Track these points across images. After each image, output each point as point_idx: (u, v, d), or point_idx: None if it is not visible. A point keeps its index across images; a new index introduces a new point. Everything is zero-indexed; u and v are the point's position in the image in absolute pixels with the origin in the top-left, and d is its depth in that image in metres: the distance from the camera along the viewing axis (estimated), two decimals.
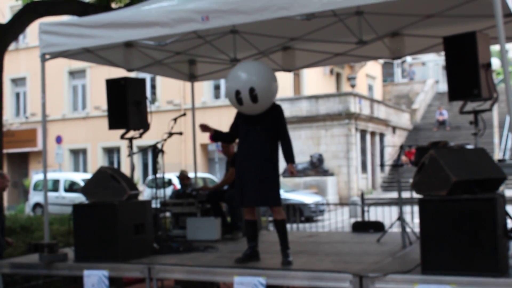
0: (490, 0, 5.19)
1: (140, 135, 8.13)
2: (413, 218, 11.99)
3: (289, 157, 6.37)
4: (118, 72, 8.75)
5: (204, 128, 6.85)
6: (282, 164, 6.87)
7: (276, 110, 6.41)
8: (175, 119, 8.20)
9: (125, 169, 27.96)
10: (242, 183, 6.33)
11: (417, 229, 5.91)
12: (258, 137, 6.34)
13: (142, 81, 8.25)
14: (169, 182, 21.45)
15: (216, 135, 6.83)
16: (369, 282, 5.21)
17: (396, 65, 46.97)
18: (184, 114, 8.69)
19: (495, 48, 8.09)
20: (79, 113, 33.98)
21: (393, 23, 7.71)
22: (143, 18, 6.45)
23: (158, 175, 7.98)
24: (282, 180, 25.87)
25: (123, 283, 8.10)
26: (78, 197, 20.96)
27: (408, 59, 45.35)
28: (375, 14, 6.93)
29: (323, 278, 5.50)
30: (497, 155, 27.69)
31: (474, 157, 5.54)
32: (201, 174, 23.67)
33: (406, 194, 9.30)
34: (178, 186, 14.68)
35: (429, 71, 46.95)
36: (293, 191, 22.47)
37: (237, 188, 6.44)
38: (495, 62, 24.54)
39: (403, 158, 23.91)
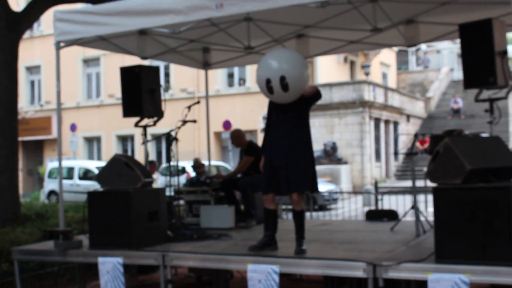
0: None
1: (154, 123, 8.15)
2: (427, 207, 11.95)
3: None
4: (132, 60, 8.77)
5: None
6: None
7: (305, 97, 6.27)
8: (189, 107, 8.20)
9: (139, 157, 28.05)
10: (270, 170, 6.27)
11: (431, 218, 5.89)
12: (288, 124, 6.24)
13: (156, 69, 8.25)
14: (183, 170, 21.51)
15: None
16: (383, 271, 5.20)
17: (410, 53, 46.69)
18: (198, 102, 8.69)
19: (511, 35, 8.00)
20: (93, 101, 34.11)
21: (408, 10, 7.65)
22: (158, 5, 6.45)
23: (172, 163, 7.99)
24: None
25: (137, 270, 8.16)
26: (93, 185, 21.09)
27: (423, 46, 45.07)
28: (389, 1, 6.89)
29: (336, 266, 5.49)
30: None
31: (489, 145, 5.50)
32: (214, 162, 23.73)
33: (420, 183, 9.28)
34: (192, 174, 14.72)
35: (444, 59, 46.63)
36: None
37: (264, 176, 6.37)
38: (511, 50, 24.34)
39: (417, 146, 23.83)
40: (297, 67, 6.15)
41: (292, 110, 6.24)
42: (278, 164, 6.21)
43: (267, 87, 6.13)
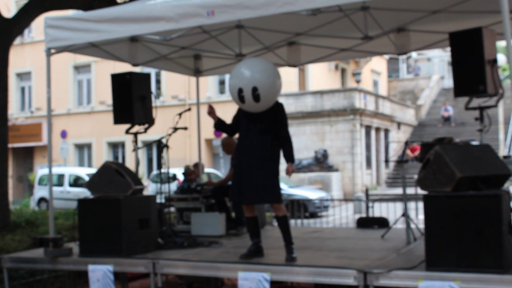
0: None
1: (145, 130, 8.14)
2: (417, 214, 11.99)
3: (288, 157, 6.37)
4: (123, 67, 8.76)
5: (211, 111, 6.68)
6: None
7: (277, 108, 6.36)
8: (180, 114, 8.20)
9: (130, 164, 27.98)
10: (240, 179, 6.31)
11: (421, 226, 5.91)
12: (258, 134, 6.28)
13: (147, 75, 8.25)
14: (174, 177, 21.46)
15: (219, 124, 6.72)
16: (374, 278, 5.21)
17: (401, 61, 46.85)
18: (189, 109, 8.69)
19: (501, 44, 8.06)
20: (84, 108, 34.01)
21: (399, 19, 7.68)
22: (149, 12, 6.45)
23: (163, 170, 7.98)
24: (286, 176, 25.84)
25: (127, 278, 8.13)
26: (83, 192, 21.01)
27: (414, 54, 45.27)
28: (380, 10, 6.91)
29: (327, 274, 5.50)
30: (502, 152, 27.64)
31: (479, 153, 5.53)
32: (205, 169, 23.67)
33: (410, 190, 9.29)
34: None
35: (434, 67, 46.84)
36: (297, 187, 22.46)
37: (234, 184, 6.41)
38: (501, 58, 24.48)
39: (408, 153, 23.92)
40: (269, 78, 6.16)
41: (262, 119, 6.28)
42: (247, 174, 6.23)
43: (239, 97, 6.16)
